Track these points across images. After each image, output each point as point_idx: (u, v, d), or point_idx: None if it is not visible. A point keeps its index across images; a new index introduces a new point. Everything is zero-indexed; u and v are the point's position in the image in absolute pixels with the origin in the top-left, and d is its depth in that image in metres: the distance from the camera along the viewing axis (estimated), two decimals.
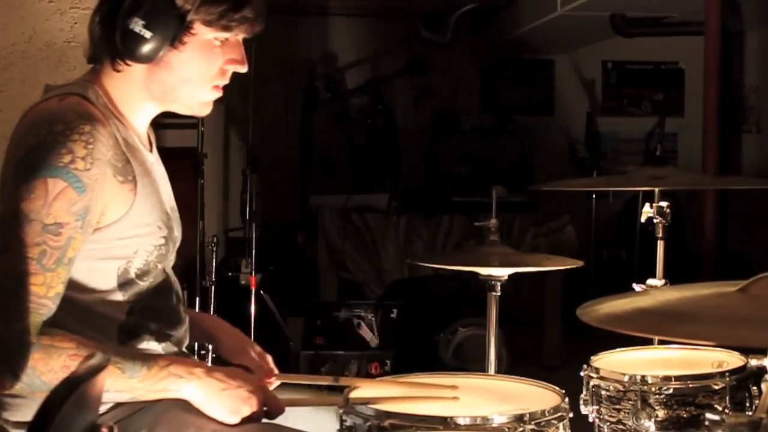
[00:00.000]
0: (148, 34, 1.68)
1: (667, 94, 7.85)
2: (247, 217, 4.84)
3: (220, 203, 6.65)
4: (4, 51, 2.76)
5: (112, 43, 1.71)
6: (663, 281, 2.54)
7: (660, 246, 2.56)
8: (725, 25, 5.84)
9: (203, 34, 1.73)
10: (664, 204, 2.55)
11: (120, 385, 1.61)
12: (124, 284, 1.74)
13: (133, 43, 1.69)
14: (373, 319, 4.57)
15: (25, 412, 1.69)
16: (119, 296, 1.74)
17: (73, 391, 1.24)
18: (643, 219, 2.58)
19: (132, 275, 1.75)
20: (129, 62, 1.73)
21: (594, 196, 6.72)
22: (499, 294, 2.46)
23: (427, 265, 2.87)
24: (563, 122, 7.65)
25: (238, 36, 1.78)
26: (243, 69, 1.80)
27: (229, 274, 4.55)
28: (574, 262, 2.53)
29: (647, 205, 2.57)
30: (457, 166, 7.27)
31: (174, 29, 1.70)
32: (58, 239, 1.59)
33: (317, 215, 5.75)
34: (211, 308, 3.85)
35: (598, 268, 6.59)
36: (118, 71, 1.75)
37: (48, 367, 1.56)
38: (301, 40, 7.21)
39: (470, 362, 4.74)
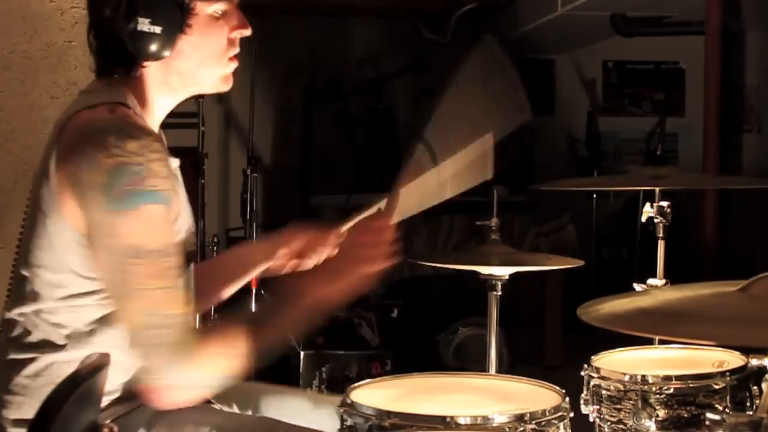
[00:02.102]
0: (158, 29, 1.67)
1: (667, 94, 7.85)
2: (248, 217, 4.84)
3: (220, 203, 6.65)
4: (5, 51, 2.76)
5: (123, 51, 1.70)
6: (663, 281, 2.54)
7: (660, 246, 2.56)
8: (726, 25, 5.84)
9: (203, 10, 1.72)
10: (664, 204, 2.55)
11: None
12: None
13: (146, 43, 1.68)
14: (374, 318, 4.57)
15: (26, 410, 1.69)
16: None
17: (74, 390, 1.24)
18: (643, 219, 2.58)
19: None
20: (146, 63, 1.72)
21: (595, 195, 6.71)
22: (499, 293, 2.46)
23: (427, 264, 2.87)
24: (564, 122, 7.65)
25: (233, 2, 1.77)
26: (248, 32, 1.79)
27: None
28: (575, 261, 2.53)
29: (648, 204, 2.57)
30: None
31: (178, 16, 1.69)
32: (168, 259, 1.60)
33: (318, 215, 5.75)
34: (211, 308, 3.84)
35: (599, 267, 6.59)
36: (136, 76, 1.74)
37: (219, 366, 1.64)
38: (302, 39, 7.20)
39: (471, 362, 4.74)
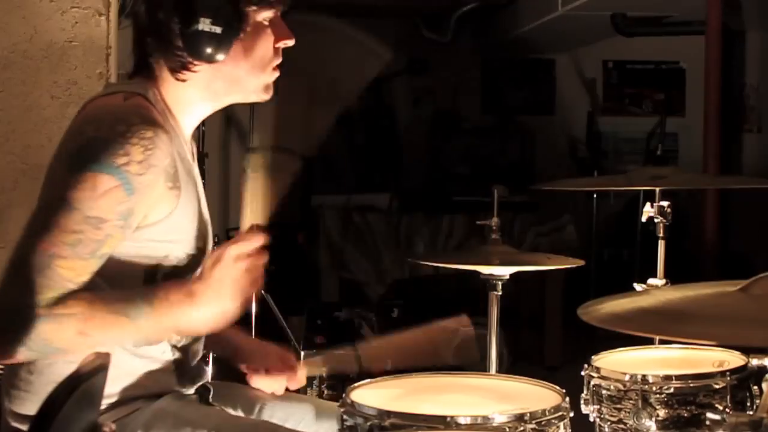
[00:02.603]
0: (218, 30, 1.67)
1: (668, 94, 7.85)
2: None
3: (220, 203, 6.65)
4: (5, 50, 2.76)
5: (175, 53, 1.69)
6: (664, 281, 2.54)
7: (661, 245, 2.55)
8: (726, 25, 5.85)
9: (255, 17, 1.73)
10: (665, 203, 2.55)
11: (128, 331, 1.58)
12: (150, 285, 1.72)
13: (205, 44, 1.67)
14: (374, 318, 4.57)
15: (29, 406, 1.70)
16: None
17: (74, 390, 1.24)
18: (644, 218, 2.58)
19: (158, 278, 1.73)
20: (198, 66, 1.70)
21: (595, 195, 6.72)
22: (500, 293, 2.46)
23: (428, 264, 2.87)
24: (564, 122, 7.65)
25: (278, 11, 1.78)
26: (292, 42, 1.81)
27: None
28: (575, 261, 2.53)
29: (648, 204, 2.57)
30: (458, 166, 7.27)
31: (235, 19, 1.69)
32: (96, 233, 1.57)
33: (318, 215, 5.75)
34: None
35: (599, 267, 6.59)
36: (183, 80, 1.73)
37: (60, 336, 1.54)
38: (303, 39, 7.20)
39: (471, 362, 4.73)
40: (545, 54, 7.75)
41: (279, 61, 1.80)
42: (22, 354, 1.53)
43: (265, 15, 1.75)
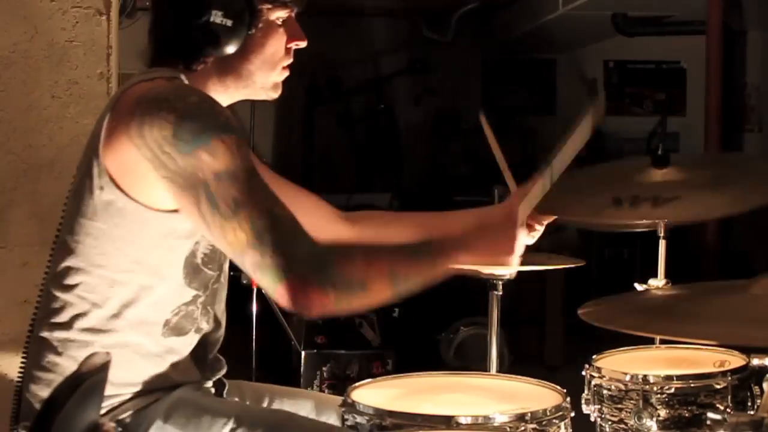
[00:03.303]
0: (229, 23, 1.70)
1: (668, 94, 7.85)
2: None
3: None
4: (6, 50, 2.76)
5: (188, 42, 1.72)
6: (664, 281, 2.53)
7: (661, 245, 2.55)
8: (727, 24, 5.84)
9: (268, 15, 1.76)
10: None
11: (413, 270, 1.62)
12: (190, 271, 1.74)
13: (217, 35, 1.70)
14: (375, 318, 4.56)
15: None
16: (183, 282, 1.74)
17: (76, 388, 1.24)
18: None
19: (198, 260, 1.74)
20: (210, 58, 1.73)
21: None
22: (500, 293, 2.46)
23: None
24: (565, 121, 7.64)
25: (293, 12, 1.81)
26: (304, 43, 1.83)
27: (231, 272, 4.54)
28: (576, 261, 2.53)
29: None
30: (459, 166, 7.27)
31: (248, 14, 1.72)
32: (256, 178, 1.59)
33: None
34: None
35: (600, 267, 6.59)
36: (195, 70, 1.75)
37: (350, 266, 1.56)
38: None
39: (472, 362, 4.74)
40: (546, 54, 7.75)
41: (290, 61, 1.83)
42: (333, 296, 1.53)
43: (278, 14, 1.78)
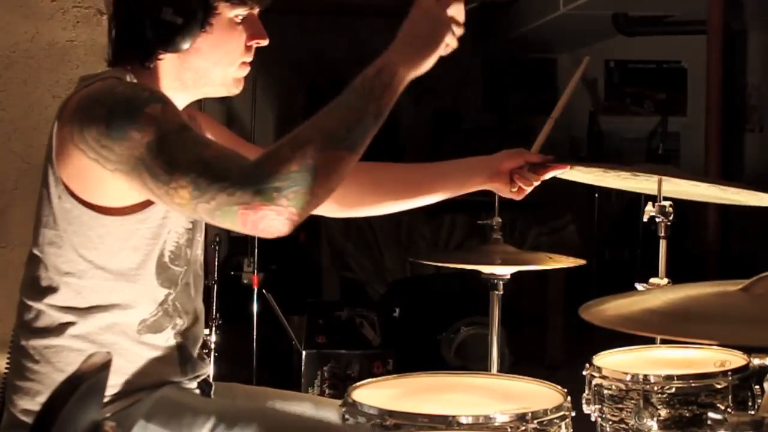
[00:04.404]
0: (179, 20, 1.69)
1: (669, 93, 7.85)
2: None
3: None
4: (7, 50, 2.76)
5: (141, 40, 1.72)
6: (665, 280, 2.53)
7: (662, 245, 2.55)
8: (728, 24, 5.84)
9: (226, 12, 1.75)
10: (666, 203, 2.55)
11: (350, 117, 1.61)
12: (160, 271, 1.75)
13: (167, 33, 1.70)
14: (376, 318, 4.57)
15: (38, 399, 1.71)
16: (155, 282, 1.74)
17: (76, 388, 1.24)
18: (645, 218, 2.58)
19: (166, 259, 1.75)
20: (163, 55, 1.73)
21: (596, 195, 6.72)
22: (501, 293, 2.46)
23: (429, 263, 2.86)
24: (565, 121, 7.64)
25: (254, 10, 1.80)
26: (265, 42, 1.82)
27: (232, 273, 4.54)
28: (577, 261, 2.52)
29: (650, 204, 2.56)
30: None
31: (201, 12, 1.71)
32: (185, 133, 1.57)
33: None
34: (214, 307, 3.85)
35: (601, 267, 6.59)
36: (149, 68, 1.75)
37: (308, 151, 1.52)
38: (304, 39, 7.20)
39: (473, 361, 4.74)
40: (547, 53, 7.76)
41: (249, 58, 1.81)
42: (287, 201, 1.47)
43: (237, 12, 1.76)
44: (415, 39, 1.74)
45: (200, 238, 1.87)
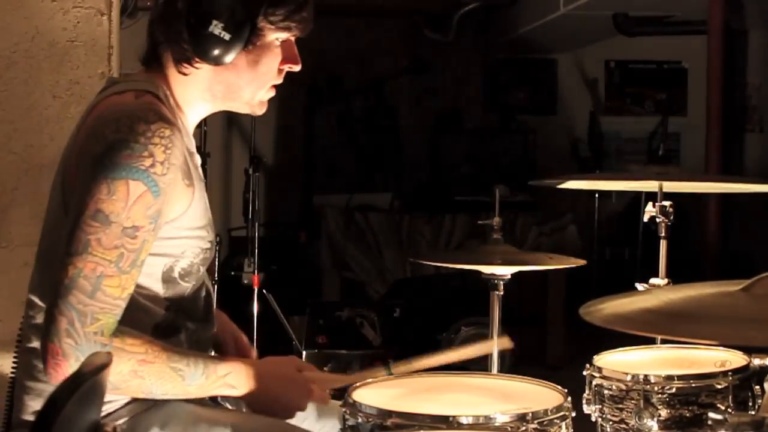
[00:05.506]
0: (227, 36, 1.71)
1: (670, 94, 7.85)
2: (250, 217, 4.85)
3: (222, 203, 6.65)
4: (7, 50, 2.76)
5: (182, 46, 1.73)
6: (666, 280, 2.53)
7: (663, 245, 2.55)
8: (728, 24, 5.84)
9: (269, 35, 1.77)
10: (666, 203, 2.55)
11: (177, 390, 1.67)
12: (166, 282, 1.76)
13: (211, 46, 1.71)
14: (376, 318, 4.57)
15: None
16: (160, 293, 1.75)
17: (76, 389, 1.24)
18: (645, 218, 2.58)
19: (176, 275, 1.76)
20: (200, 64, 1.74)
21: (597, 195, 6.72)
22: (501, 293, 2.46)
23: (429, 263, 2.87)
24: (566, 121, 7.65)
25: (294, 36, 1.82)
26: (297, 68, 1.84)
27: (232, 273, 4.55)
28: (577, 261, 2.52)
29: (650, 204, 2.56)
30: (460, 166, 7.28)
31: (248, 32, 1.73)
32: (134, 242, 1.61)
33: (320, 214, 5.76)
34: (214, 308, 3.86)
35: (601, 267, 6.59)
36: (185, 74, 1.77)
37: (117, 370, 1.59)
38: (304, 39, 7.20)
39: (473, 361, 4.73)
40: (547, 54, 7.76)
41: (280, 81, 1.84)
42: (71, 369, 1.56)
43: (279, 35, 1.78)
44: (269, 394, 1.79)
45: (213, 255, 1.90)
